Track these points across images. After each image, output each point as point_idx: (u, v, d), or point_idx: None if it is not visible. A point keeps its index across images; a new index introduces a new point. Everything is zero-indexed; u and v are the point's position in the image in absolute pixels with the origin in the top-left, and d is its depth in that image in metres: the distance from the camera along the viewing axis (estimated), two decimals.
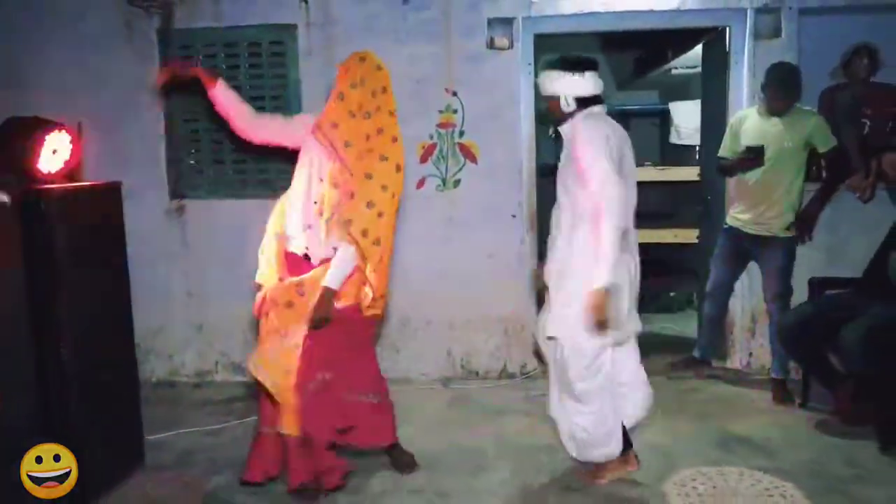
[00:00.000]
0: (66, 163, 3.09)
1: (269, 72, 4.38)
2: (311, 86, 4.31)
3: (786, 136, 3.81)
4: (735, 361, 4.43)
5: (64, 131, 3.09)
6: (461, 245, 4.37)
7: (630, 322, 3.00)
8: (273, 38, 4.35)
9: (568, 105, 2.88)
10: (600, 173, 2.71)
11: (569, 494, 3.01)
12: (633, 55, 7.66)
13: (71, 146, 3.10)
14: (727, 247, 4.10)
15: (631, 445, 3.05)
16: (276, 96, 4.39)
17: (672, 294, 5.99)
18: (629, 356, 3.08)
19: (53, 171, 3.04)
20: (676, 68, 6.67)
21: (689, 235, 5.79)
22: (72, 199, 2.96)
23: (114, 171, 3.67)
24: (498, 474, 3.20)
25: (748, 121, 3.94)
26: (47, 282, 2.80)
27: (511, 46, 4.24)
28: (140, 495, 3.09)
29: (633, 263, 3.05)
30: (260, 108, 4.36)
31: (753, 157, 3.84)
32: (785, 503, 2.89)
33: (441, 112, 4.29)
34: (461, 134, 4.32)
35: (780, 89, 3.79)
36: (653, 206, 8.29)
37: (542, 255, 3.87)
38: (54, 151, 3.05)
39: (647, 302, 5.90)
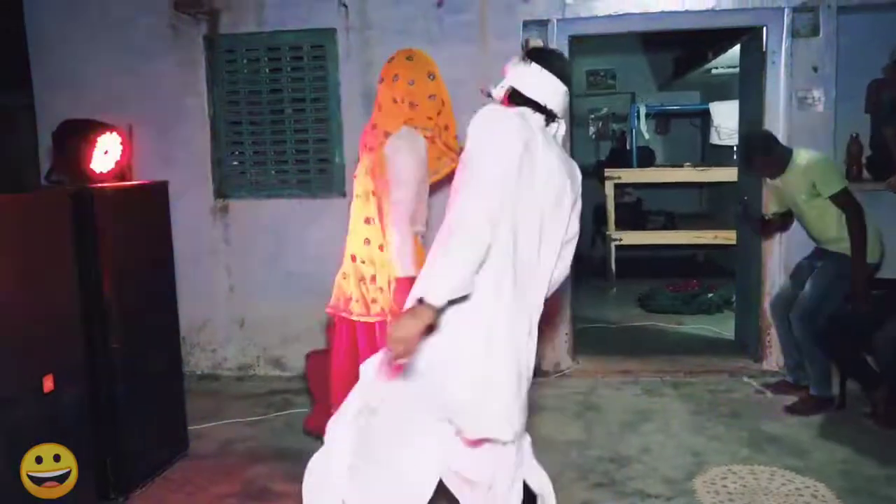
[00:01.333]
0: (117, 163, 3.25)
1: (310, 74, 4.50)
2: (349, 87, 4.42)
3: (795, 192, 3.75)
4: (772, 363, 4.40)
5: (115, 133, 3.25)
6: None
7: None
8: (314, 42, 4.47)
9: (495, 94, 2.09)
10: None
11: (597, 490, 3.05)
12: (672, 55, 7.63)
13: (121, 147, 3.26)
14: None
15: None
16: (316, 98, 4.51)
17: (710, 295, 5.94)
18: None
19: (105, 170, 3.20)
20: (717, 68, 6.62)
21: (730, 237, 5.76)
22: (122, 198, 3.12)
23: (162, 171, 3.84)
24: None
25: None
26: (98, 275, 2.95)
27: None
28: (183, 481, 3.23)
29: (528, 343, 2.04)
30: (300, 110, 4.55)
31: (759, 223, 4.05)
32: (816, 503, 2.88)
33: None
34: None
35: (749, 162, 3.85)
36: (692, 206, 8.31)
37: None
38: (106, 152, 3.21)
39: (685, 304, 5.90)
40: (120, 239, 3.03)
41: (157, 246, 3.34)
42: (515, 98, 2.05)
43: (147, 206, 3.29)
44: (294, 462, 3.07)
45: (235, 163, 4.69)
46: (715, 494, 2.96)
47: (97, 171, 3.16)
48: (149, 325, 3.23)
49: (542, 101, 2.03)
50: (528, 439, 2.20)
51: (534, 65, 2.04)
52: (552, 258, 2.05)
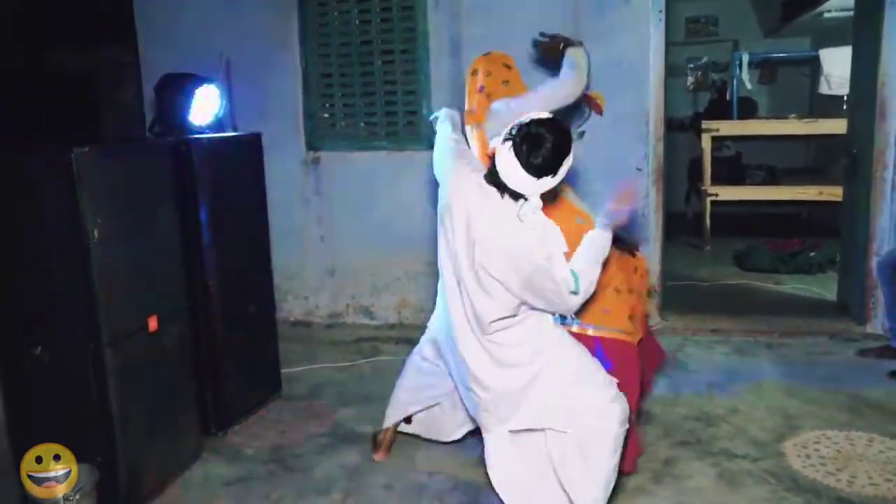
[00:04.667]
0: (214, 115, 3.37)
1: (399, 25, 4.49)
2: (438, 38, 4.39)
3: None
4: (876, 326, 4.17)
5: (213, 86, 3.36)
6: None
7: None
8: None
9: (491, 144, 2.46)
10: None
11: (681, 448, 3.00)
12: None
13: (218, 100, 3.37)
14: None
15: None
16: (405, 49, 4.50)
17: (812, 254, 5.65)
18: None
19: (203, 122, 3.33)
20: (830, 11, 6.17)
21: (836, 193, 5.44)
22: (218, 149, 3.24)
23: (256, 123, 3.95)
24: None
25: None
26: (197, 223, 3.10)
27: None
28: (276, 420, 3.40)
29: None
30: (389, 62, 4.56)
31: None
32: None
33: None
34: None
35: None
36: (797, 161, 7.87)
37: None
38: (204, 105, 3.33)
39: (784, 263, 5.65)
40: (217, 188, 3.17)
41: (251, 195, 3.46)
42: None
43: (242, 156, 3.41)
44: (381, 406, 3.18)
45: (326, 115, 4.76)
46: (806, 458, 2.87)
47: (196, 122, 3.29)
48: (244, 272, 3.37)
49: (503, 180, 2.29)
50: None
51: (505, 147, 2.26)
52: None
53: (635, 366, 2.75)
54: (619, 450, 2.41)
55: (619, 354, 2.69)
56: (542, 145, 2.24)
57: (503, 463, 2.52)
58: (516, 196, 2.32)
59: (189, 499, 2.79)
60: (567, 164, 2.30)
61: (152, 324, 2.71)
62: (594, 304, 2.59)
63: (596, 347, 2.65)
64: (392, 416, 3.02)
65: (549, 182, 2.29)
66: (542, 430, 2.45)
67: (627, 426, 2.42)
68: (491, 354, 2.45)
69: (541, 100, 2.68)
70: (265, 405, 3.52)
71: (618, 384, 2.46)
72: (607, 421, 2.37)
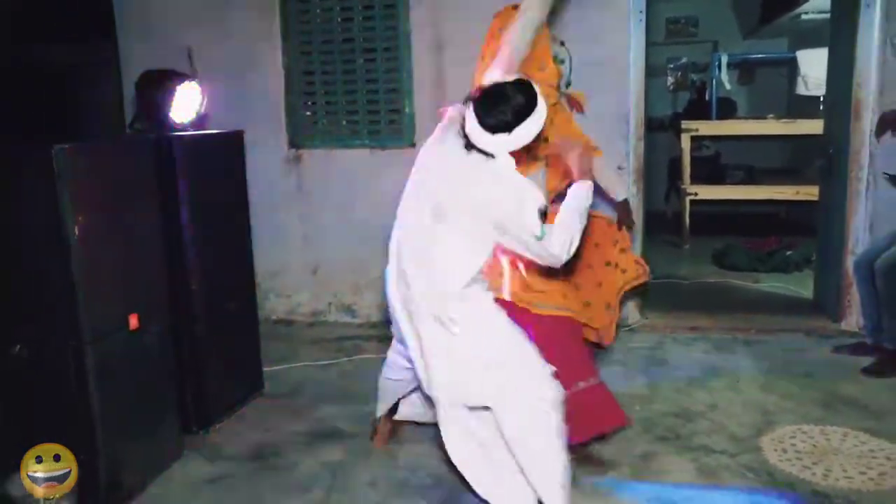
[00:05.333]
0: (196, 112, 3.36)
1: (382, 23, 4.50)
2: (420, 36, 4.41)
3: None
4: (851, 323, 4.24)
5: (193, 83, 3.34)
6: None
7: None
8: None
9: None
10: None
11: (660, 443, 3.04)
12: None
13: (199, 97, 3.36)
14: None
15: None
16: (387, 47, 4.51)
17: (789, 253, 5.73)
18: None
19: (184, 119, 3.31)
20: (807, 13, 6.26)
21: (813, 193, 5.52)
22: (200, 146, 3.23)
23: (238, 120, 3.93)
24: None
25: None
26: (178, 220, 3.09)
27: None
28: (258, 419, 3.39)
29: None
30: (371, 60, 4.56)
31: None
32: (890, 465, 2.80)
33: None
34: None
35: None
36: (775, 161, 7.97)
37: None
38: (185, 102, 3.31)
39: (762, 262, 5.73)
40: (198, 185, 3.15)
41: (233, 193, 3.45)
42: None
43: (224, 154, 3.40)
44: (362, 404, 3.19)
45: (308, 113, 4.75)
46: (782, 452, 2.92)
47: (177, 119, 3.28)
48: (226, 270, 3.36)
49: (469, 137, 2.33)
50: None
51: (469, 104, 2.33)
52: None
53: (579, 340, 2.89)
54: (560, 434, 2.38)
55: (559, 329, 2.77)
56: (499, 103, 2.28)
57: (456, 439, 2.48)
58: (487, 154, 2.33)
59: (170, 497, 2.77)
60: (529, 126, 2.30)
61: (133, 322, 2.70)
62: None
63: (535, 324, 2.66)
64: (382, 405, 3.05)
65: (505, 140, 2.29)
66: (487, 408, 2.41)
67: (562, 412, 2.39)
68: (436, 328, 2.40)
69: (509, 46, 2.68)
70: (247, 403, 3.51)
71: (562, 359, 2.50)
72: (543, 403, 2.36)
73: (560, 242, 2.34)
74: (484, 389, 2.40)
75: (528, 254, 2.38)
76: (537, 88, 2.34)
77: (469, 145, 2.35)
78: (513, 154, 2.36)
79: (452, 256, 2.36)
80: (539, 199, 2.34)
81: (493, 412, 2.40)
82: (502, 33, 2.79)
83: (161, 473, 2.88)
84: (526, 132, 2.31)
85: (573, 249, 2.39)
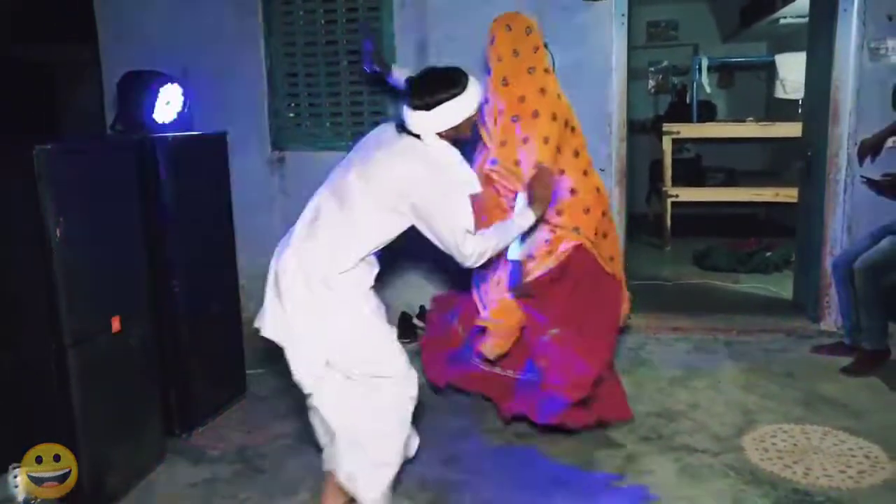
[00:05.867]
0: (178, 113, 3.34)
1: (365, 25, 4.49)
2: (404, 39, 4.41)
3: None
4: (830, 324, 4.30)
5: (176, 84, 3.33)
6: None
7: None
8: None
9: None
10: None
11: (643, 443, 3.07)
12: (739, 4, 7.33)
13: (181, 98, 3.34)
14: None
15: None
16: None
17: (768, 254, 5.80)
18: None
19: (166, 120, 3.30)
20: (785, 17, 6.34)
21: (792, 195, 5.59)
22: (182, 147, 3.21)
23: (221, 122, 3.91)
24: None
25: None
26: (160, 221, 3.07)
27: None
28: (241, 421, 3.38)
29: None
30: (356, 62, 4.55)
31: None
32: (868, 463, 2.84)
33: None
34: None
35: None
36: (755, 163, 8.06)
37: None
38: (167, 103, 3.30)
39: (742, 263, 5.78)
40: (181, 187, 3.14)
41: (216, 195, 3.44)
42: None
43: (207, 155, 3.39)
44: None
45: (291, 115, 4.74)
46: (763, 451, 2.95)
47: (159, 120, 3.26)
48: (209, 272, 3.35)
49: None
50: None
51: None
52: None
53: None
54: (406, 426, 2.44)
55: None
56: (425, 83, 2.37)
57: (331, 402, 2.44)
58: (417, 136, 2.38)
59: (153, 501, 2.76)
60: (452, 107, 2.34)
61: (115, 324, 2.68)
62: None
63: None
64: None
65: (426, 118, 2.34)
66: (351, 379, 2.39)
67: (412, 405, 2.43)
68: (315, 299, 2.34)
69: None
70: (230, 406, 3.50)
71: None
72: (397, 386, 2.39)
73: (476, 246, 2.36)
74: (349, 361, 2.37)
75: (440, 242, 2.36)
76: (471, 77, 2.41)
77: (401, 126, 2.40)
78: (451, 140, 2.41)
79: (360, 221, 2.32)
80: (475, 187, 2.42)
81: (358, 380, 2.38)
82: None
83: (144, 477, 2.86)
84: (449, 112, 2.35)
85: (482, 261, 2.42)
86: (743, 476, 2.79)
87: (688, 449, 3.00)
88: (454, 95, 2.35)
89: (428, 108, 2.33)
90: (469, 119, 2.42)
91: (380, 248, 2.41)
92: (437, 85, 2.35)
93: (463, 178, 2.41)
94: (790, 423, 3.20)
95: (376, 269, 2.45)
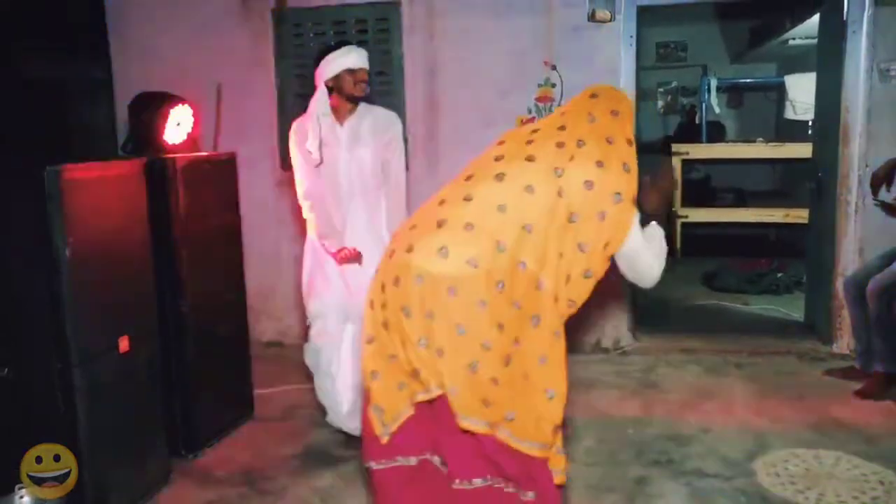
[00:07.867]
0: (189, 134, 3.37)
1: (375, 48, 4.51)
2: (413, 61, 4.44)
3: None
4: (842, 346, 4.25)
5: (187, 105, 3.35)
6: None
7: None
8: (378, 16, 4.49)
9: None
10: None
11: (653, 467, 3.03)
12: (748, 25, 7.35)
13: (192, 119, 3.37)
14: None
15: None
16: (381, 72, 4.53)
17: (779, 275, 5.76)
18: None
19: (177, 141, 3.32)
20: (794, 39, 6.35)
21: (802, 215, 5.56)
22: (193, 168, 3.22)
23: (231, 143, 3.96)
24: (584, 443, 3.25)
25: None
26: (170, 242, 3.08)
27: (613, 19, 4.19)
28: (249, 442, 3.36)
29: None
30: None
31: None
32: (882, 489, 2.79)
33: (540, 85, 4.31)
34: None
35: None
36: (765, 184, 8.04)
37: None
38: (178, 124, 3.33)
39: (752, 284, 5.75)
40: (191, 207, 3.15)
41: (225, 215, 3.44)
42: None
43: (217, 176, 3.39)
44: None
45: None
46: (776, 477, 2.91)
47: (170, 141, 3.28)
48: (217, 292, 3.35)
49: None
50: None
51: None
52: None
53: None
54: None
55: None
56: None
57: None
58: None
59: None
60: (324, 62, 3.30)
61: (123, 344, 2.68)
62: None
63: None
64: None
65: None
66: None
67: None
68: None
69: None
70: (237, 427, 3.48)
71: None
72: None
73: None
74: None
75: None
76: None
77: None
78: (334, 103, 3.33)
79: None
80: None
81: None
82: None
83: (150, 498, 2.84)
84: (325, 65, 3.29)
85: None
86: (754, 501, 2.74)
87: (698, 473, 2.96)
88: (324, 58, 3.40)
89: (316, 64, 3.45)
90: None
91: None
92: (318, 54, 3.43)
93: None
94: (802, 447, 3.15)
95: None
